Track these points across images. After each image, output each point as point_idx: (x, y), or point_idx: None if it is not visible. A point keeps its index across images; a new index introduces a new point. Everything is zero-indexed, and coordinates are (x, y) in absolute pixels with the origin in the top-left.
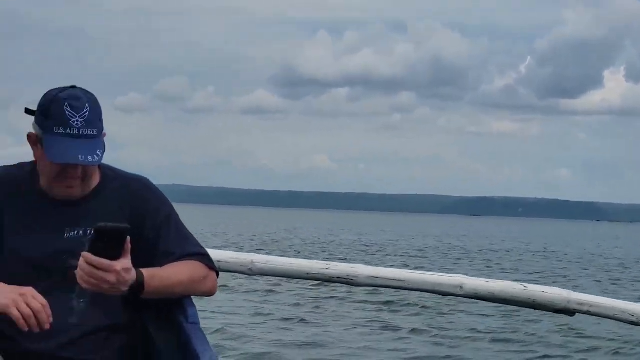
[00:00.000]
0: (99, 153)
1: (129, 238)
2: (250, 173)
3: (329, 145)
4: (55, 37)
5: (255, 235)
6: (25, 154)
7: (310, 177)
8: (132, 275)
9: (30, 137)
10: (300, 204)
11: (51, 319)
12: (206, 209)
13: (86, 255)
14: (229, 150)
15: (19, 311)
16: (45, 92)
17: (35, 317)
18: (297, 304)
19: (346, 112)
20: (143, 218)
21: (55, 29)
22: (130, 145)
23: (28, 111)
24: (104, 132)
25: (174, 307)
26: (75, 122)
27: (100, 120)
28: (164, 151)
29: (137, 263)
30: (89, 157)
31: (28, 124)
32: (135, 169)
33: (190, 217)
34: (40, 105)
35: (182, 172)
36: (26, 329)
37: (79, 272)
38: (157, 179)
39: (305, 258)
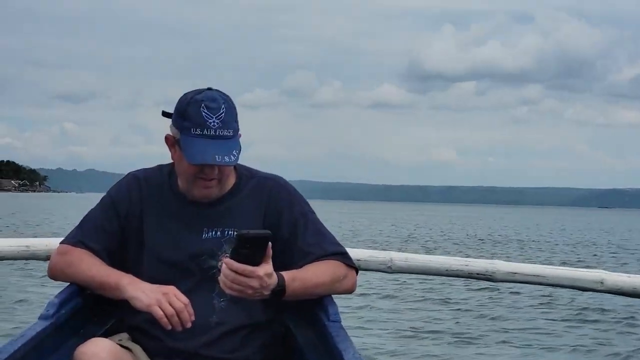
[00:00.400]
0: (235, 153)
1: (270, 244)
2: (377, 168)
3: (456, 139)
4: (174, 36)
5: (391, 235)
6: (153, 152)
7: (437, 171)
8: (274, 279)
9: (167, 139)
10: (428, 198)
11: (193, 318)
12: (335, 204)
13: (229, 261)
14: (355, 145)
15: (162, 310)
16: (181, 95)
17: (178, 315)
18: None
19: (473, 105)
20: (279, 217)
21: (174, 27)
22: (257, 142)
23: (165, 114)
24: (239, 132)
25: (315, 306)
26: (212, 123)
27: (236, 121)
28: (291, 147)
29: (274, 262)
30: (226, 158)
31: (155, 122)
32: (262, 165)
33: (320, 213)
34: (177, 108)
35: (309, 168)
36: (169, 327)
37: (221, 279)
38: (284, 175)
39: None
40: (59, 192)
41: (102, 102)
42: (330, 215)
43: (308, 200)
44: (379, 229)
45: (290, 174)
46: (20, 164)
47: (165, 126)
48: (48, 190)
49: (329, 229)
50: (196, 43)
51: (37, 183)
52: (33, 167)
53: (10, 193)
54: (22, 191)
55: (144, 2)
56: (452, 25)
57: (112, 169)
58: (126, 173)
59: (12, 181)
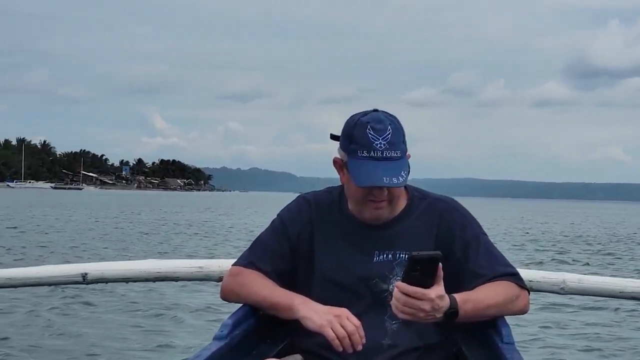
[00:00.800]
0: (403, 174)
1: (441, 265)
2: (541, 165)
3: (622, 136)
4: (338, 36)
5: (568, 238)
6: (316, 150)
7: (602, 169)
8: (446, 301)
9: (336, 162)
10: (593, 196)
11: (364, 340)
12: (499, 202)
13: (400, 285)
14: (519, 143)
15: (333, 331)
16: (348, 118)
17: (349, 337)
18: None
19: None
20: (451, 239)
21: (337, 27)
22: (422, 140)
23: (333, 137)
24: (407, 153)
25: (488, 327)
26: (379, 145)
27: (404, 142)
28: (456, 145)
29: (445, 283)
30: (394, 179)
31: (318, 121)
32: (427, 163)
33: (485, 211)
34: (343, 131)
35: (474, 166)
36: (340, 349)
37: (393, 302)
38: (449, 173)
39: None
40: (222, 191)
41: (267, 101)
42: (496, 214)
43: (473, 197)
44: (552, 231)
45: (455, 172)
46: (185, 163)
47: (329, 125)
48: (212, 189)
49: (496, 227)
50: (359, 42)
51: (202, 182)
52: (198, 166)
53: (176, 192)
54: (187, 190)
55: (308, 3)
56: (619, 20)
57: (275, 168)
58: (289, 172)
59: (178, 180)
